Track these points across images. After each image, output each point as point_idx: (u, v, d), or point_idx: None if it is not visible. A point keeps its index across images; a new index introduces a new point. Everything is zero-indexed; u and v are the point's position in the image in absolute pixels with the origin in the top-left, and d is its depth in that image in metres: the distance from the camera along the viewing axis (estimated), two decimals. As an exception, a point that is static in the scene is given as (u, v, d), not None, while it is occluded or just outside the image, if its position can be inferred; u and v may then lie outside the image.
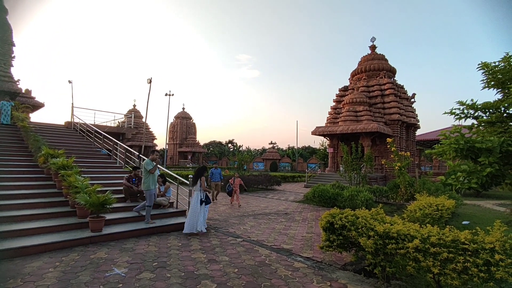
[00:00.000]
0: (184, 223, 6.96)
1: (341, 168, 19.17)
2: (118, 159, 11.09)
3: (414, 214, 6.48)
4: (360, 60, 28.78)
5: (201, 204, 6.59)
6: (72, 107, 15.18)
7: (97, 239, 5.53)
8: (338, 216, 4.68)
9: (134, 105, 40.39)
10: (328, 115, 28.42)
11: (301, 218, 9.03)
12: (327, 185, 12.97)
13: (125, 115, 21.23)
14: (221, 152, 62.49)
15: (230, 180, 11.86)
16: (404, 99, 26.75)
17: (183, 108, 52.16)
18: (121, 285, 3.73)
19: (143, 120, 37.15)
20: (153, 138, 43.08)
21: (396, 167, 11.87)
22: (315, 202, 12.19)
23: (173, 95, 24.24)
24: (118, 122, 17.55)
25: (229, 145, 68.04)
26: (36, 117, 36.05)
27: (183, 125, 50.58)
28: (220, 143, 69.86)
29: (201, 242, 5.85)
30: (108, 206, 5.88)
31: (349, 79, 29.55)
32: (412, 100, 27.87)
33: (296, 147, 49.46)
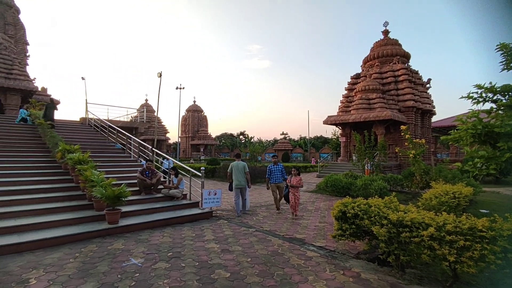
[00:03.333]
0: (197, 214, 7.11)
1: (354, 157, 18.95)
2: (132, 153, 11.30)
3: (429, 202, 6.35)
4: (372, 46, 27.99)
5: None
6: (86, 103, 15.50)
7: (114, 231, 5.69)
8: (350, 205, 4.63)
9: (146, 100, 40.93)
10: (340, 104, 27.96)
11: (313, 208, 9.00)
12: (340, 175, 12.85)
13: (137, 110, 21.55)
14: (233, 144, 62.77)
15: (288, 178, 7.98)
16: (419, 85, 25.96)
17: (194, 101, 52.49)
18: (137, 274, 3.84)
19: (155, 114, 37.65)
20: (166, 131, 43.69)
21: (411, 155, 11.62)
22: (328, 192, 12.12)
23: (184, 88, 24.40)
24: (131, 116, 17.87)
25: (241, 136, 68.21)
26: (52, 114, 36.91)
27: (194, 118, 50.96)
28: (231, 135, 70.13)
29: (214, 233, 5.94)
30: (123, 199, 6.03)
31: (361, 66, 28.86)
32: (428, 85, 27.00)
33: (308, 137, 49.07)
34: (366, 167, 14.83)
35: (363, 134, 15.69)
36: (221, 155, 52.40)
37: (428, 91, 26.76)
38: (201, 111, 52.71)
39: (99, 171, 6.99)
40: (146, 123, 16.95)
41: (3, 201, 5.96)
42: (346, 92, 28.08)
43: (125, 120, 17.12)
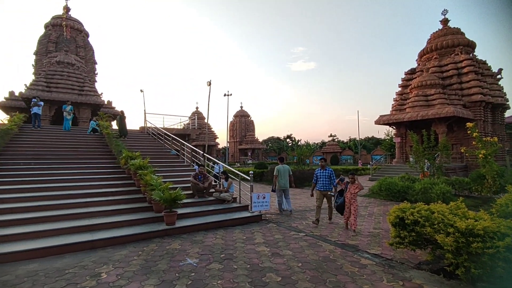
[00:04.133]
0: (247, 217, 7.26)
1: (411, 159, 17.56)
2: (185, 158, 11.98)
3: (505, 208, 5.59)
4: (429, 38, 25.77)
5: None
6: (145, 113, 16.90)
7: (171, 231, 6.08)
8: (409, 210, 4.31)
9: (197, 107, 43.12)
10: (393, 102, 26.23)
11: (366, 213, 8.56)
12: (395, 178, 12.03)
13: (189, 117, 22.82)
14: (280, 147, 62.72)
15: (339, 184, 7.14)
16: (487, 76, 23.17)
17: (241, 107, 53.78)
18: (193, 274, 4.04)
19: (205, 120, 39.41)
20: (215, 137, 45.45)
21: (480, 155, 10.38)
22: (382, 196, 11.41)
23: (231, 95, 25.26)
24: (184, 124, 18.96)
25: (287, 140, 67.86)
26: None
27: (241, 123, 52.21)
28: (278, 138, 70.16)
29: (264, 236, 5.99)
30: (179, 202, 6.41)
31: (416, 61, 26.76)
32: (498, 76, 23.92)
33: (358, 139, 46.89)
34: (424, 169, 13.62)
35: (420, 133, 14.47)
36: (268, 158, 52.72)
37: (499, 83, 23.71)
38: (248, 116, 53.82)
39: (157, 175, 7.54)
40: (197, 130, 17.87)
41: (80, 203, 6.77)
42: (400, 89, 26.25)
43: (179, 127, 18.25)
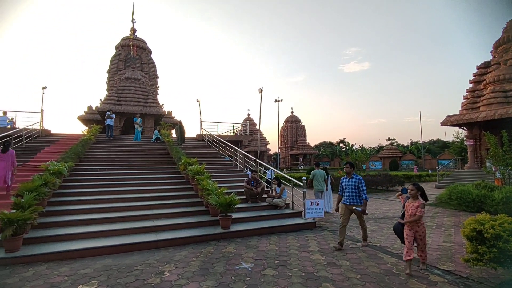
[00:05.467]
0: (300, 224, 7.14)
1: (487, 164, 15.47)
2: (238, 164, 12.31)
3: None
4: (505, 26, 22.62)
5: None
6: (201, 122, 17.87)
7: (226, 235, 6.27)
8: (488, 223, 3.78)
9: (248, 114, 44.15)
10: (463, 100, 23.49)
11: (434, 224, 7.75)
12: (468, 185, 10.69)
13: (241, 124, 23.47)
14: (333, 152, 60.69)
15: (400, 198, 5.38)
16: None
17: (292, 112, 53.54)
18: (248, 278, 4.09)
19: (257, 127, 40.10)
20: (266, 143, 45.91)
21: None
22: (453, 206, 10.23)
23: (281, 100, 25.35)
24: (236, 130, 19.56)
25: (341, 144, 65.36)
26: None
27: (292, 128, 51.89)
28: (331, 143, 68.07)
29: (319, 244, 5.80)
30: (233, 206, 6.59)
31: (491, 53, 23.63)
32: None
33: (421, 142, 42.99)
34: (497, 175, 11.87)
35: (499, 134, 12.66)
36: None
37: None
38: (299, 121, 53.29)
39: (213, 181, 7.88)
40: (249, 136, 18.26)
41: (145, 206, 7.39)
42: (471, 85, 23.43)
43: (231, 134, 18.88)
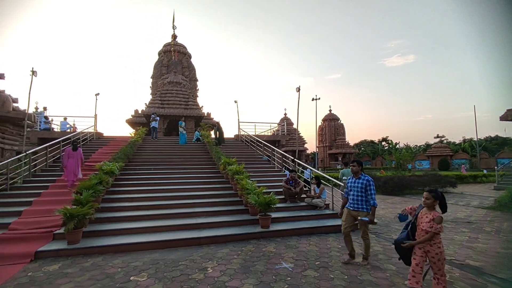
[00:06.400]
0: (340, 225, 6.94)
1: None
2: (276, 164, 12.32)
3: None
4: None
5: None
6: (239, 122, 18.18)
7: (266, 234, 6.30)
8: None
9: (285, 114, 43.90)
10: (525, 92, 20.98)
11: (492, 229, 7.05)
12: (535, 187, 9.54)
13: (278, 124, 23.43)
14: (374, 151, 58.00)
15: (407, 209, 3.74)
16: None
17: (330, 110, 52.15)
18: (289, 278, 4.07)
19: (294, 126, 39.75)
20: (304, 142, 45.29)
21: None
22: (515, 209, 9.20)
23: (319, 99, 24.73)
24: (273, 130, 19.56)
25: (383, 143, 62.21)
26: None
27: (331, 127, 50.56)
28: (372, 142, 65.13)
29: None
30: (272, 206, 6.61)
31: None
32: None
33: (475, 139, 39.26)
34: None
35: None
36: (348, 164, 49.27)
37: None
38: (338, 119, 51.74)
39: (252, 180, 7.97)
40: (286, 136, 18.16)
41: (187, 204, 7.71)
42: (535, 75, 20.84)
43: (269, 134, 18.92)
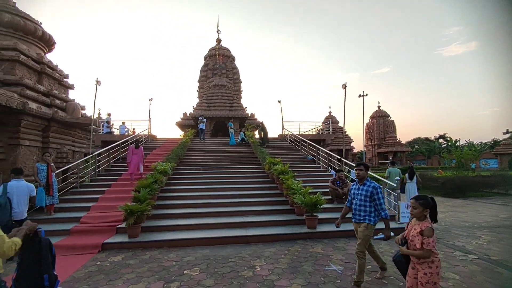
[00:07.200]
0: (393, 229, 6.56)
1: None
2: (321, 163, 12.05)
3: None
4: None
5: None
6: (282, 122, 18.15)
7: (313, 235, 6.22)
8: None
9: (330, 112, 42.70)
10: None
11: None
12: None
13: (322, 123, 22.89)
14: (430, 149, 53.49)
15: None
16: None
17: (379, 107, 49.35)
18: (339, 281, 3.98)
19: (339, 124, 38.46)
20: (350, 141, 43.60)
21: None
22: None
23: (366, 95, 23.56)
24: (318, 129, 19.15)
25: (440, 140, 57.11)
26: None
27: (379, 124, 47.84)
28: (427, 139, 60.18)
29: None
30: (319, 206, 6.50)
31: None
32: None
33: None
34: None
35: None
36: (414, 163, 45.82)
37: None
38: (387, 116, 48.72)
39: (297, 180, 7.92)
40: (332, 135, 17.64)
41: (235, 202, 7.94)
42: None
43: (313, 133, 18.57)
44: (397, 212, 6.98)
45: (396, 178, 7.87)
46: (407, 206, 6.72)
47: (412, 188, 9.33)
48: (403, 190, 9.40)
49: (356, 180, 4.09)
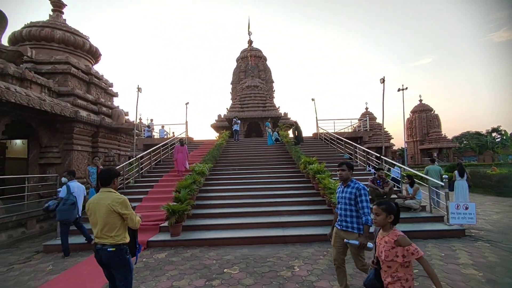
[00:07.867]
0: (443, 230, 6.14)
1: None
2: (358, 162, 11.63)
3: None
4: None
5: None
6: (317, 120, 17.84)
7: (353, 236, 6.01)
8: None
9: (367, 108, 41.00)
10: None
11: None
12: None
13: (359, 119, 22.07)
14: (481, 144, 49.11)
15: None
16: None
17: (420, 100, 46.38)
18: (382, 284, 3.80)
19: (377, 121, 36.80)
20: (389, 137, 41.50)
21: None
22: None
23: (406, 89, 22.27)
24: (354, 126, 18.52)
25: (493, 134, 52.16)
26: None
27: (422, 119, 44.92)
28: (477, 133, 55.31)
29: (471, 256, 4.82)
30: (358, 206, 6.27)
31: None
32: None
33: None
34: None
35: None
36: (462, 159, 42.33)
37: None
38: (430, 110, 45.58)
39: (334, 179, 7.72)
40: (369, 132, 16.94)
41: (271, 202, 7.95)
42: None
43: (349, 131, 17.99)
44: (445, 213, 6.50)
45: (443, 176, 7.35)
46: (457, 206, 6.24)
47: (462, 186, 8.64)
48: (451, 188, 8.75)
49: (341, 182, 3.63)
